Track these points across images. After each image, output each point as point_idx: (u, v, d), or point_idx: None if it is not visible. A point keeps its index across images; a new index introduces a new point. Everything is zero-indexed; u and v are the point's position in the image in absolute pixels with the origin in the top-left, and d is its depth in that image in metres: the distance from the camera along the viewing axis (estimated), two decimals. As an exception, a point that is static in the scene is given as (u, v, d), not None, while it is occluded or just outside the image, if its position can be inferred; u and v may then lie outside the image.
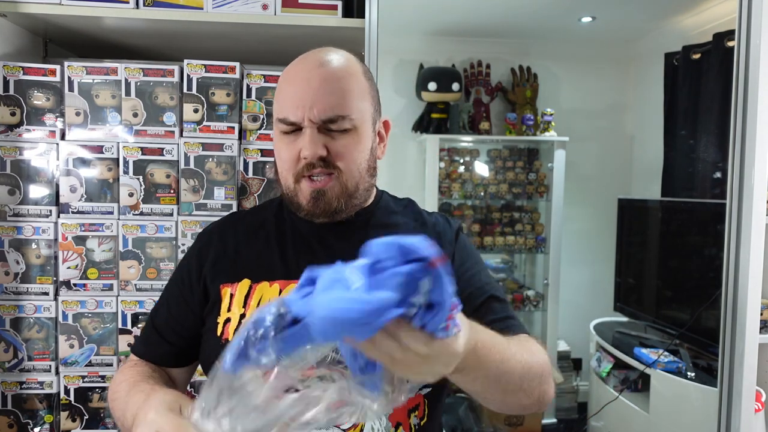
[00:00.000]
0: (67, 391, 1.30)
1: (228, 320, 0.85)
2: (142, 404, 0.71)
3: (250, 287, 0.86)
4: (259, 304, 0.84)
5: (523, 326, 0.90)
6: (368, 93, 0.88)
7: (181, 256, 1.30)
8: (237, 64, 1.33)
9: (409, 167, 3.29)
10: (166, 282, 1.29)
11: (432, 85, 3.03)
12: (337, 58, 0.85)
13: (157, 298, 1.28)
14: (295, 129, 0.83)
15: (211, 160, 1.32)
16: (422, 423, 0.85)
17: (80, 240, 1.29)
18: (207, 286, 0.90)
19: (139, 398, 0.76)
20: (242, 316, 0.84)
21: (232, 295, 0.86)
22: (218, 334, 0.85)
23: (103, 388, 1.30)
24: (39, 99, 1.30)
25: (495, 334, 0.69)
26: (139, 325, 1.30)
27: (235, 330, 0.83)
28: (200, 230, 1.29)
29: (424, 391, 0.85)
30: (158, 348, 0.93)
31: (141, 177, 1.30)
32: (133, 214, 1.31)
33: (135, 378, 0.86)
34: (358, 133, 0.85)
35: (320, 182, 0.84)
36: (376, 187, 0.98)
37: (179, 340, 0.92)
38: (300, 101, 0.82)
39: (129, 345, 1.17)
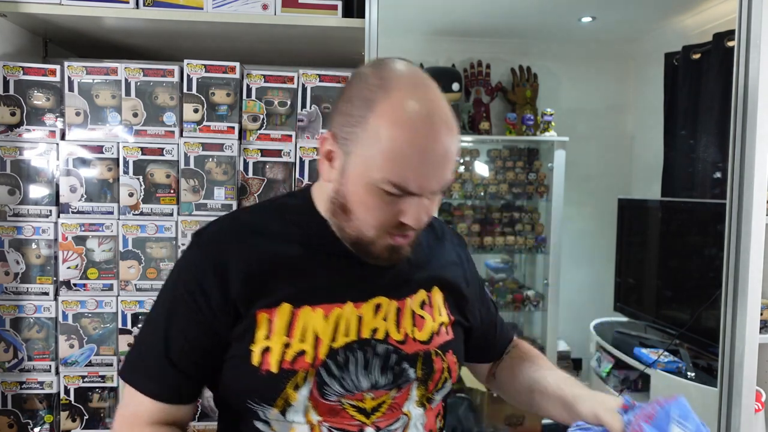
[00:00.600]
0: (67, 391, 1.30)
1: (267, 349, 0.76)
2: None
3: (292, 312, 0.78)
4: (304, 333, 0.78)
5: (509, 329, 1.07)
6: None
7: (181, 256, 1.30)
8: (237, 64, 1.33)
9: (409, 167, 3.28)
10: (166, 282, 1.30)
11: (432, 85, 3.03)
12: (445, 106, 0.78)
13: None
14: (404, 193, 0.75)
15: (211, 160, 1.32)
16: (441, 425, 0.89)
17: (80, 240, 1.29)
18: (238, 308, 0.78)
19: None
20: (286, 345, 0.77)
21: (270, 321, 0.77)
22: (254, 363, 0.76)
23: (103, 388, 1.30)
24: (39, 99, 1.30)
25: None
26: (139, 325, 1.30)
27: (280, 361, 0.76)
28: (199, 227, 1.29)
29: (443, 395, 0.87)
30: (174, 382, 0.80)
31: (141, 177, 1.30)
32: (133, 214, 1.31)
33: None
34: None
35: (403, 240, 0.80)
36: None
37: (198, 371, 0.80)
38: (426, 175, 0.74)
39: (125, 381, 0.86)
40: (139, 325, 1.30)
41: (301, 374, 0.75)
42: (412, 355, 0.81)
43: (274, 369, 0.75)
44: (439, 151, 0.74)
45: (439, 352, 0.83)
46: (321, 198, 0.85)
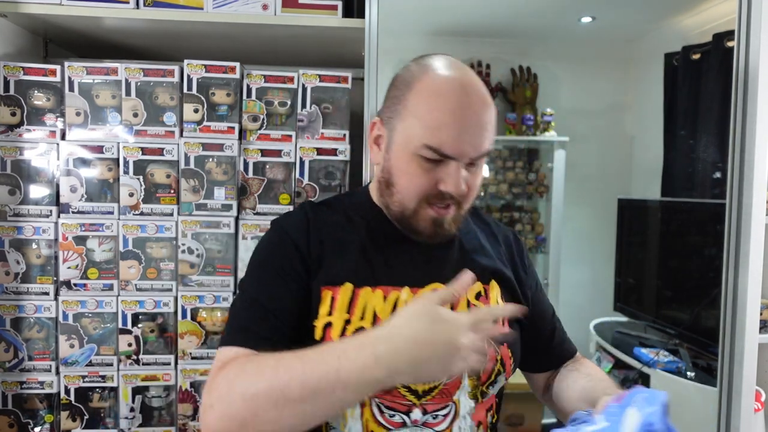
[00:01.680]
0: (67, 391, 1.30)
1: (329, 324, 0.81)
2: (391, 336, 0.66)
3: (354, 291, 0.83)
4: (364, 311, 0.82)
5: (572, 344, 1.04)
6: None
7: (181, 255, 1.30)
8: (237, 64, 1.33)
9: (409, 167, 3.29)
10: (165, 282, 1.30)
11: (432, 85, 3.03)
12: (487, 93, 0.82)
13: (156, 299, 1.30)
14: (441, 159, 0.79)
15: (211, 160, 1.32)
16: (494, 420, 0.89)
17: (80, 240, 1.29)
18: (310, 283, 0.84)
19: (353, 347, 0.67)
20: (347, 321, 0.81)
21: (333, 299, 0.82)
22: (317, 337, 0.81)
23: (104, 388, 1.31)
24: (39, 99, 1.30)
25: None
26: (140, 325, 1.30)
27: (341, 335, 0.79)
28: (200, 229, 1.30)
29: (496, 389, 0.88)
30: (278, 334, 0.81)
31: (141, 177, 1.31)
32: (133, 214, 1.31)
33: (288, 355, 0.71)
34: (483, 163, 0.85)
35: (443, 210, 0.83)
36: None
37: (290, 330, 0.82)
38: (464, 139, 0.78)
39: (229, 345, 0.86)
40: (140, 325, 1.30)
41: None
42: None
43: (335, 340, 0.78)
44: (473, 117, 0.78)
45: (492, 342, 0.83)
46: (375, 190, 0.92)
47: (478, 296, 0.88)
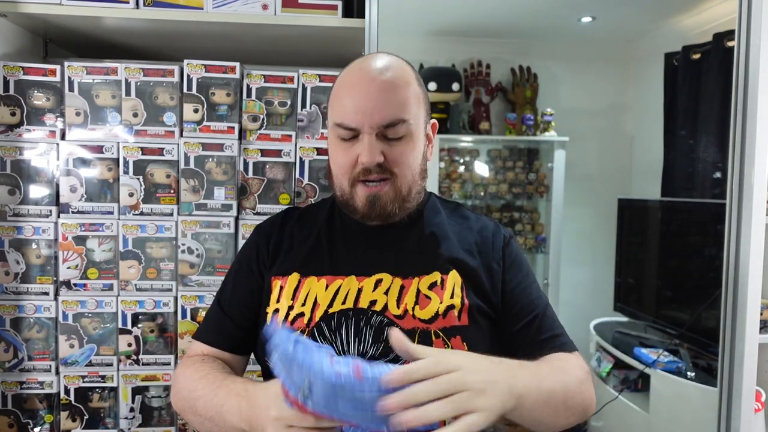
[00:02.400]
0: (67, 391, 1.30)
1: (277, 311, 0.89)
2: (250, 402, 0.75)
3: (299, 281, 0.90)
4: (306, 297, 0.88)
5: (571, 343, 0.93)
6: (421, 98, 0.91)
7: (181, 255, 1.30)
8: (237, 64, 1.33)
9: (409, 167, 3.28)
10: (165, 282, 1.31)
11: (432, 85, 3.03)
12: (394, 65, 0.89)
13: (156, 298, 1.30)
14: (353, 135, 0.85)
15: (211, 160, 1.32)
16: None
17: (80, 240, 1.29)
18: (264, 276, 0.95)
19: (235, 394, 0.79)
20: (290, 308, 0.88)
21: (281, 287, 0.91)
22: (268, 322, 0.90)
23: (103, 388, 1.31)
24: (39, 99, 1.30)
25: (533, 371, 0.75)
26: (140, 325, 1.30)
27: (284, 320, 0.88)
28: (200, 229, 1.30)
29: None
30: (226, 329, 0.95)
31: (141, 177, 1.31)
32: (133, 214, 1.31)
33: (213, 373, 0.87)
34: (413, 139, 0.88)
35: (376, 187, 0.87)
36: (425, 189, 1.00)
37: (244, 322, 0.95)
38: (361, 108, 0.84)
39: (190, 340, 1.06)
40: (140, 325, 1.30)
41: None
42: (409, 331, 0.83)
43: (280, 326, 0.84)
44: (372, 89, 0.84)
45: (441, 334, 0.84)
46: None
47: (432, 286, 0.88)
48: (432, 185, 3.10)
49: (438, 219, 0.97)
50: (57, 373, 1.30)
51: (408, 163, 0.88)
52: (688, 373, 2.14)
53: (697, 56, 2.73)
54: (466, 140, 3.27)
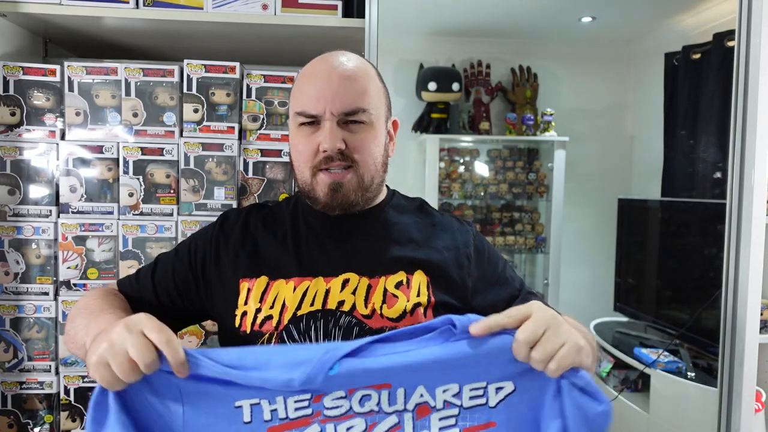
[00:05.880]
0: (67, 391, 1.30)
1: (245, 313, 0.88)
2: (120, 319, 0.69)
3: (267, 284, 0.90)
4: (275, 300, 0.88)
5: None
6: (382, 93, 0.93)
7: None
8: (237, 64, 1.33)
9: (409, 167, 3.29)
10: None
11: (432, 85, 3.03)
12: (354, 59, 0.91)
13: (156, 298, 1.30)
14: (314, 122, 0.87)
15: (211, 160, 1.32)
16: None
17: (80, 240, 1.29)
18: (204, 273, 0.95)
19: (112, 317, 0.78)
20: (258, 310, 0.88)
21: (249, 290, 0.90)
22: (236, 325, 0.88)
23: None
24: (39, 99, 1.30)
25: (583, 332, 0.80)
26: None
27: (252, 323, 0.87)
28: (199, 227, 1.30)
29: None
30: (145, 298, 0.96)
31: (141, 177, 1.30)
32: (133, 214, 1.31)
33: (114, 303, 0.88)
34: (374, 129, 0.89)
35: (338, 175, 0.88)
36: (387, 186, 1.02)
37: (168, 302, 0.95)
38: (321, 95, 0.85)
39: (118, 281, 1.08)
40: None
41: (267, 336, 0.86)
42: (377, 330, 0.85)
43: (247, 330, 0.87)
44: (331, 78, 0.86)
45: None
46: None
47: (398, 285, 0.89)
48: (432, 185, 3.10)
49: (403, 217, 0.98)
50: (57, 373, 1.30)
51: (369, 151, 0.89)
52: (688, 373, 2.14)
53: (697, 56, 2.73)
54: (466, 140, 3.27)
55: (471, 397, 0.71)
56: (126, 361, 0.64)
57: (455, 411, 0.71)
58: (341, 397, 0.69)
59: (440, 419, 0.71)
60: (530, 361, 0.68)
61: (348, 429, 0.70)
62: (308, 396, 0.69)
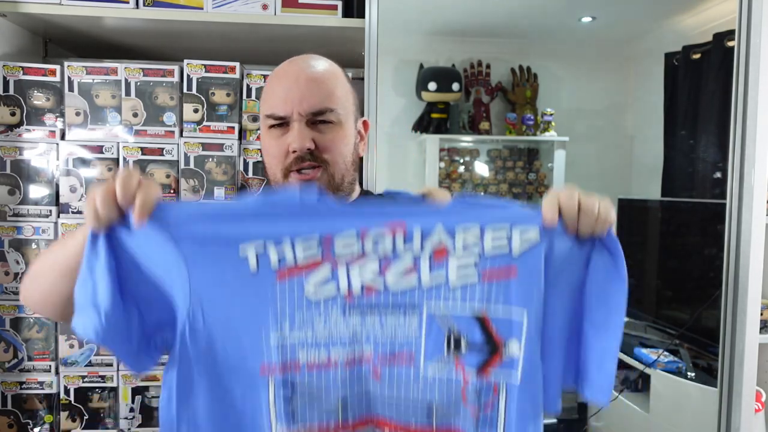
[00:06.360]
0: (67, 391, 1.30)
1: None
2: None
3: None
4: None
5: None
6: (350, 94, 0.95)
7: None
8: (237, 64, 1.33)
9: (409, 167, 3.29)
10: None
11: (432, 85, 3.03)
12: (323, 61, 0.94)
13: (156, 298, 1.30)
14: (283, 124, 0.88)
15: (211, 160, 1.32)
16: None
17: (80, 240, 1.29)
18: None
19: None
20: None
21: None
22: None
23: (103, 388, 1.30)
24: (39, 99, 1.30)
25: None
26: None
27: None
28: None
29: None
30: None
31: (141, 177, 1.30)
32: (133, 214, 1.30)
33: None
34: (343, 128, 0.91)
35: (309, 175, 0.88)
36: (361, 186, 1.03)
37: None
38: (289, 97, 0.87)
39: None
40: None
41: None
42: None
43: None
44: (300, 76, 0.88)
45: None
46: None
47: None
48: (432, 185, 3.09)
49: None
50: (57, 373, 1.30)
51: (339, 150, 0.90)
52: (688, 373, 2.14)
53: (697, 56, 2.72)
54: (466, 140, 3.26)
55: (493, 246, 0.68)
56: (109, 191, 0.67)
57: (475, 258, 0.68)
58: (352, 239, 0.67)
59: (459, 263, 0.68)
60: (578, 221, 0.71)
61: (360, 269, 0.68)
62: (317, 236, 0.67)
